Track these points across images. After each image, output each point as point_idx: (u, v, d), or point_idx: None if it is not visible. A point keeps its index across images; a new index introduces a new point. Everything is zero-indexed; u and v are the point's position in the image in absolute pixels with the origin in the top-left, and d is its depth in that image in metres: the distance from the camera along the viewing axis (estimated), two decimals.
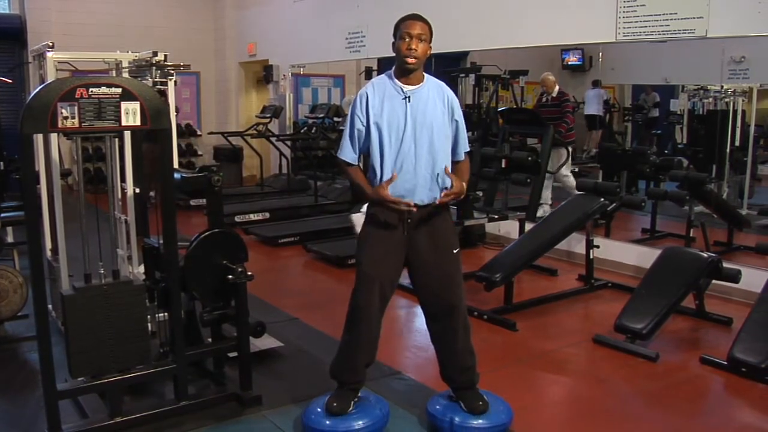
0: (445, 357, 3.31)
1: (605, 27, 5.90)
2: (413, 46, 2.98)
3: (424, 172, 3.08)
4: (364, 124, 3.10)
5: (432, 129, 3.06)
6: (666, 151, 9.60)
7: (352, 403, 3.27)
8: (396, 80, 3.09)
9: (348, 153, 3.15)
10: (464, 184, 3.12)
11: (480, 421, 3.20)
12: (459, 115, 3.17)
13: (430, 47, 3.07)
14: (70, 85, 2.92)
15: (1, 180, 7.03)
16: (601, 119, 10.55)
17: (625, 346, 4.34)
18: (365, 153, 3.19)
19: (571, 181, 7.95)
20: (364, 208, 3.27)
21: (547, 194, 8.02)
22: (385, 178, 3.06)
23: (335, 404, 3.21)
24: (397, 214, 3.06)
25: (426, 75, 3.13)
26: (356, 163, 3.18)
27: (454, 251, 3.19)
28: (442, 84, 3.17)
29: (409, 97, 3.06)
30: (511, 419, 3.27)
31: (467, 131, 3.32)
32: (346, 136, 3.15)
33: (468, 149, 3.27)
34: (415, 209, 3.01)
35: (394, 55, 3.10)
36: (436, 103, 3.09)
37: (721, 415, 3.69)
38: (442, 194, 3.05)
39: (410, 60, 3.00)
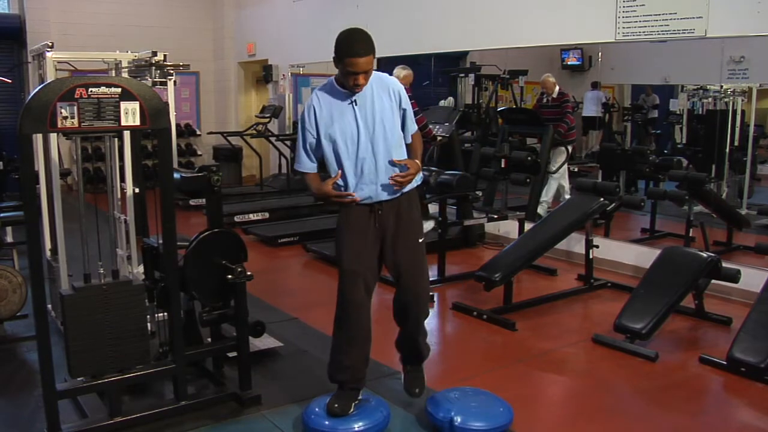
0: (403, 333, 3.45)
1: (605, 27, 5.91)
2: (360, 81, 3.02)
3: (384, 169, 3.13)
4: (315, 136, 3.16)
5: (384, 126, 3.11)
6: (665, 151, 9.60)
7: (354, 404, 3.29)
8: (340, 87, 3.13)
9: (306, 164, 3.23)
10: (417, 161, 3.23)
11: (479, 422, 3.19)
12: (406, 103, 3.22)
13: (372, 70, 3.10)
14: (69, 85, 2.92)
15: (0, 180, 7.04)
16: (600, 121, 10.55)
17: (625, 346, 4.35)
18: (321, 160, 3.23)
19: (566, 182, 8.00)
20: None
21: (549, 193, 8.05)
22: (350, 184, 3.14)
23: (336, 405, 3.24)
24: (368, 207, 3.15)
25: None
26: (314, 171, 3.25)
27: (419, 240, 3.28)
28: (383, 75, 3.21)
29: (355, 100, 3.10)
30: (511, 420, 3.27)
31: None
32: (300, 148, 3.21)
33: (416, 129, 3.32)
34: (358, 200, 3.11)
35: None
36: (382, 99, 3.13)
37: (720, 414, 3.70)
38: (396, 176, 3.10)
39: (357, 89, 3.06)
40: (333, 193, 3.13)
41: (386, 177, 3.13)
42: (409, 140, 3.28)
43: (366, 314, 3.27)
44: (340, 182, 3.17)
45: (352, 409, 3.27)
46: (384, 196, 3.15)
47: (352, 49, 2.98)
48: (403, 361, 3.55)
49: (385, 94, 3.15)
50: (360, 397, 3.37)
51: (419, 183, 3.31)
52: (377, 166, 3.12)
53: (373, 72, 3.14)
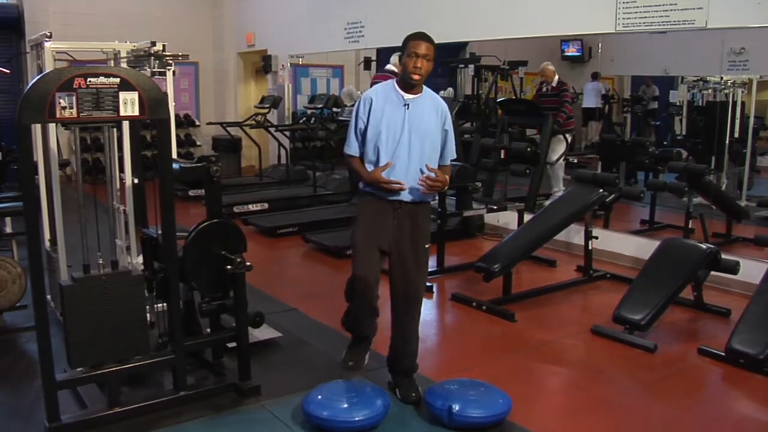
0: (397, 341, 3.58)
1: (605, 18, 5.89)
2: (419, 65, 3.32)
3: (414, 173, 3.37)
4: (365, 123, 3.42)
5: (425, 135, 3.39)
6: (665, 143, 9.60)
7: (366, 357, 3.58)
8: (398, 88, 3.42)
9: (353, 147, 3.48)
10: (447, 177, 3.45)
11: (477, 411, 3.21)
12: (449, 125, 3.52)
13: (432, 64, 3.38)
14: (68, 75, 2.91)
15: None
16: (600, 112, 10.54)
17: (624, 337, 4.35)
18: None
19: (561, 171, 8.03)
20: None
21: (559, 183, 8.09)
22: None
23: (351, 362, 3.49)
24: (390, 204, 3.38)
25: (425, 87, 3.47)
26: (358, 155, 3.48)
27: (426, 246, 3.53)
28: (438, 96, 3.52)
29: (408, 104, 3.39)
30: (510, 409, 3.28)
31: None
32: (351, 132, 3.48)
33: (455, 157, 3.60)
34: (405, 188, 3.34)
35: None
36: (431, 113, 3.43)
37: (719, 405, 3.71)
38: (426, 177, 3.33)
39: (415, 76, 3.34)
40: (384, 179, 3.33)
41: (414, 181, 3.36)
42: (446, 162, 3.54)
43: (375, 290, 3.44)
44: (372, 168, 3.40)
45: (365, 362, 3.56)
46: (406, 197, 3.39)
47: (416, 35, 3.37)
48: (393, 376, 3.63)
49: (435, 111, 3.44)
50: (370, 349, 3.62)
51: (432, 200, 3.59)
52: (408, 167, 3.37)
53: (429, 90, 3.48)
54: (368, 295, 3.41)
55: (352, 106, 5.81)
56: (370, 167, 3.39)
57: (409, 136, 3.36)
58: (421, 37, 3.37)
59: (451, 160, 3.58)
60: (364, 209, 3.47)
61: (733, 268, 4.74)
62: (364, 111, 3.42)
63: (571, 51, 10.77)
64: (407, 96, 3.39)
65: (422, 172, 3.35)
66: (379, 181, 3.33)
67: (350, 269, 3.44)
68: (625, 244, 6.26)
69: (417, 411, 3.42)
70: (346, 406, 3.20)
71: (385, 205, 3.39)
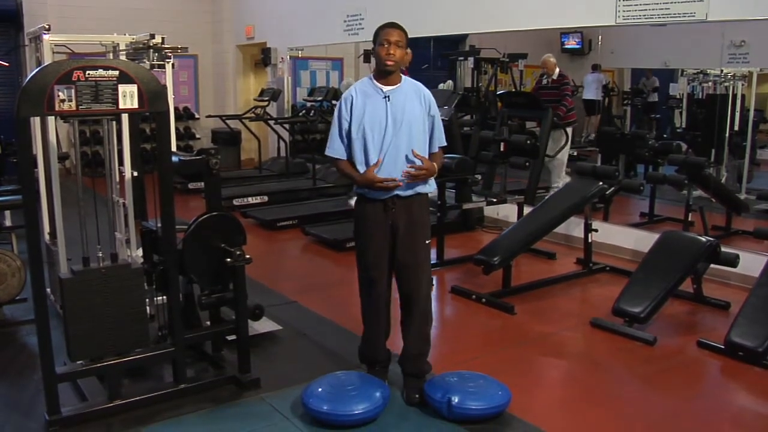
0: (405, 342, 3.55)
1: (605, 10, 5.87)
2: (392, 51, 3.26)
3: (403, 166, 3.31)
4: (348, 122, 3.35)
5: (411, 125, 3.32)
6: (665, 135, 9.57)
7: (386, 380, 3.52)
8: (376, 82, 3.36)
9: (337, 149, 3.40)
10: (435, 164, 3.39)
11: (477, 403, 3.21)
12: (435, 111, 3.44)
13: (407, 52, 3.35)
14: (66, 68, 2.90)
15: None
16: (600, 104, 10.52)
17: (623, 330, 4.36)
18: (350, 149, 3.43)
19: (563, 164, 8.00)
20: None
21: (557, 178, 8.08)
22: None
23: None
24: (382, 204, 3.33)
25: (402, 76, 3.40)
26: (345, 158, 3.41)
27: (426, 242, 3.48)
28: (418, 83, 3.45)
29: (388, 96, 3.32)
30: (509, 401, 3.29)
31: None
32: (334, 135, 3.41)
33: (444, 143, 3.50)
34: (401, 184, 3.29)
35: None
36: (413, 102, 3.35)
37: (718, 398, 3.71)
38: (410, 167, 3.29)
39: (389, 63, 3.28)
40: (378, 178, 3.26)
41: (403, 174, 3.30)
42: (435, 149, 3.45)
43: (386, 292, 3.48)
44: (363, 168, 3.33)
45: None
46: (400, 191, 3.32)
47: (386, 25, 3.33)
48: (404, 376, 3.57)
49: (417, 99, 3.37)
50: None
51: (432, 191, 3.50)
52: (397, 160, 3.30)
53: (408, 79, 3.42)
54: (381, 294, 3.45)
55: None
56: (361, 168, 3.32)
57: (394, 129, 3.28)
58: (392, 25, 3.32)
59: (440, 147, 3.47)
60: (361, 215, 3.41)
61: (733, 261, 4.74)
62: (346, 111, 3.34)
63: (571, 43, 10.74)
64: (386, 88, 3.32)
65: (408, 159, 3.30)
66: (374, 182, 3.26)
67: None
68: (624, 237, 6.26)
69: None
70: (345, 398, 3.21)
71: (378, 206, 3.34)
